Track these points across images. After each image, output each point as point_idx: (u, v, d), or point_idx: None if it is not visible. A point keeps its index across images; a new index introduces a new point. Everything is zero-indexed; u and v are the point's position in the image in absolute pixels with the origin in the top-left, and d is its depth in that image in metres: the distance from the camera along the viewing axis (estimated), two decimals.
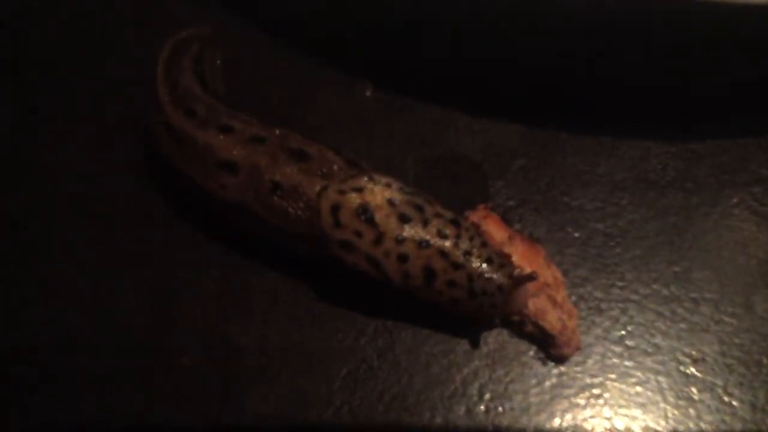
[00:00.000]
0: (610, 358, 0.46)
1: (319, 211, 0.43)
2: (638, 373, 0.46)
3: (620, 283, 0.48)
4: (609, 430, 0.45)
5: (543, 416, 0.45)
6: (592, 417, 0.45)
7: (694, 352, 0.46)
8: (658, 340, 0.47)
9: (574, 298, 0.47)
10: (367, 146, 0.51)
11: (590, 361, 0.46)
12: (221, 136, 0.45)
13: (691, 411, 0.45)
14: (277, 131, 0.45)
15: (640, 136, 0.52)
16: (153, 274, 0.48)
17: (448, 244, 0.42)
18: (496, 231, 0.47)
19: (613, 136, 0.52)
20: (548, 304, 0.45)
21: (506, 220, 0.49)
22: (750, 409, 0.45)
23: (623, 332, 0.47)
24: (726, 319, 0.47)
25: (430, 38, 0.54)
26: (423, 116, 0.52)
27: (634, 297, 0.48)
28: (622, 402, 0.45)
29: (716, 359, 0.46)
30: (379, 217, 0.42)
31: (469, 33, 0.54)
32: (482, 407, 0.45)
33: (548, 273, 0.46)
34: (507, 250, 0.46)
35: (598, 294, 0.48)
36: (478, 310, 0.43)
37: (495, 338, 0.47)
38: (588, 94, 0.53)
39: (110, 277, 0.48)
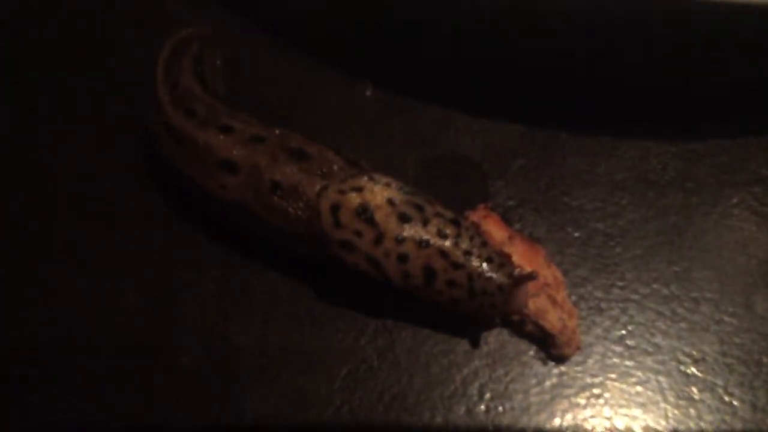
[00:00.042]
0: (610, 357, 0.46)
1: (319, 211, 0.43)
2: (639, 373, 0.46)
3: (620, 283, 0.48)
4: (609, 429, 0.45)
5: (543, 416, 0.45)
6: (592, 417, 0.45)
7: (694, 352, 0.46)
8: (658, 339, 0.47)
9: (574, 298, 0.47)
10: (367, 146, 0.51)
11: (590, 361, 0.46)
12: (221, 136, 0.45)
13: (692, 411, 0.45)
14: (277, 131, 0.45)
15: (640, 135, 0.52)
16: (153, 274, 0.48)
17: (448, 243, 0.42)
18: (496, 231, 0.47)
19: (613, 135, 0.52)
20: (548, 304, 0.45)
21: (506, 219, 0.49)
22: (750, 409, 0.45)
23: (623, 332, 0.47)
24: (726, 318, 0.47)
25: (430, 38, 0.54)
26: (423, 116, 0.52)
27: (635, 297, 0.48)
28: (623, 402, 0.45)
29: (717, 359, 0.46)
30: (379, 216, 0.42)
31: (469, 33, 0.54)
32: (482, 407, 0.45)
33: (548, 273, 0.46)
34: (507, 249, 0.46)
35: (599, 294, 0.48)
36: (478, 310, 0.43)
37: (495, 338, 0.47)
38: (588, 94, 0.53)
39: (110, 277, 0.48)
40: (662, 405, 0.45)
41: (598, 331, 0.47)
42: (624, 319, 0.47)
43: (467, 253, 0.42)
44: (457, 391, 0.46)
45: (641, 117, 0.53)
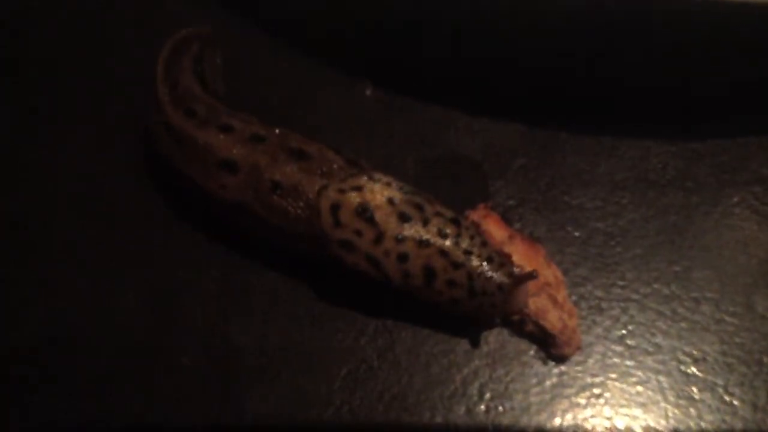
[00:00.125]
0: (610, 357, 0.46)
1: (319, 211, 0.43)
2: (639, 373, 0.46)
3: (621, 283, 0.48)
4: (609, 429, 0.45)
5: (543, 416, 0.45)
6: (592, 416, 0.45)
7: (694, 352, 0.46)
8: (658, 339, 0.47)
9: (574, 298, 0.47)
10: (367, 146, 0.51)
11: (591, 361, 0.46)
12: (221, 136, 0.45)
13: (692, 410, 0.45)
14: (277, 130, 0.45)
15: (640, 135, 0.52)
16: (153, 274, 0.48)
17: (448, 243, 0.42)
18: (496, 230, 0.47)
19: (613, 135, 0.52)
20: (549, 304, 0.45)
21: (506, 219, 0.49)
22: (751, 409, 0.45)
23: (624, 331, 0.47)
24: (727, 318, 0.47)
25: (430, 38, 0.54)
26: (423, 116, 0.52)
27: (635, 296, 0.48)
28: (623, 401, 0.45)
29: (717, 358, 0.46)
30: (379, 216, 0.42)
31: (469, 33, 0.54)
32: (482, 407, 0.45)
33: (548, 272, 0.46)
34: (507, 249, 0.46)
35: (599, 293, 0.48)
36: (478, 310, 0.43)
37: (495, 338, 0.47)
38: (588, 94, 0.53)
39: (110, 277, 0.48)
40: (663, 405, 0.45)
41: (599, 330, 0.47)
42: (624, 318, 0.47)
43: (467, 252, 0.42)
44: (457, 391, 0.46)
45: (641, 117, 0.53)
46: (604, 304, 0.47)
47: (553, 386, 0.46)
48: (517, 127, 0.52)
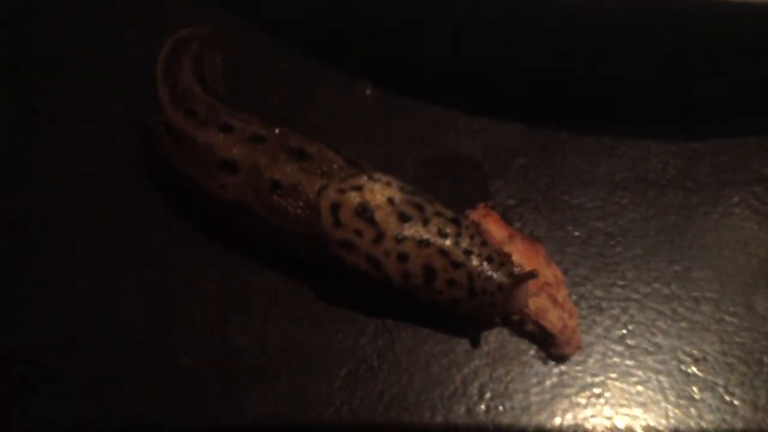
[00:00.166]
0: (610, 357, 0.46)
1: (319, 210, 0.43)
2: (639, 372, 0.46)
3: (621, 282, 0.48)
4: (610, 429, 0.45)
5: (544, 415, 0.45)
6: (593, 416, 0.45)
7: (695, 351, 0.46)
8: (659, 339, 0.46)
9: (574, 297, 0.47)
10: (367, 146, 0.51)
11: (591, 360, 0.46)
12: (221, 135, 0.45)
13: (692, 410, 0.45)
14: (277, 130, 0.45)
15: (640, 135, 0.52)
16: (153, 274, 0.48)
17: (448, 242, 0.42)
18: (496, 230, 0.47)
19: (613, 135, 0.52)
20: (549, 303, 0.45)
21: (506, 218, 0.49)
22: (751, 409, 0.45)
23: (624, 331, 0.47)
24: (727, 318, 0.47)
25: (430, 38, 0.54)
26: (423, 116, 0.52)
27: (635, 296, 0.48)
28: (623, 401, 0.45)
29: (717, 358, 0.46)
30: (378, 215, 0.42)
31: (469, 33, 0.54)
32: (483, 406, 0.45)
33: (549, 272, 0.46)
34: (507, 248, 0.46)
35: (599, 293, 0.48)
36: (478, 309, 0.43)
37: (495, 337, 0.47)
38: (588, 94, 0.53)
39: (110, 277, 0.48)
40: (663, 404, 0.45)
41: (599, 330, 0.47)
42: (624, 318, 0.47)
43: (467, 252, 0.42)
44: (457, 390, 0.46)
45: (641, 117, 0.52)
46: (604, 304, 0.47)
47: (554, 386, 0.46)
48: (517, 127, 0.52)
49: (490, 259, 0.42)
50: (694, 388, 0.46)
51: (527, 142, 0.52)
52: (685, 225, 0.49)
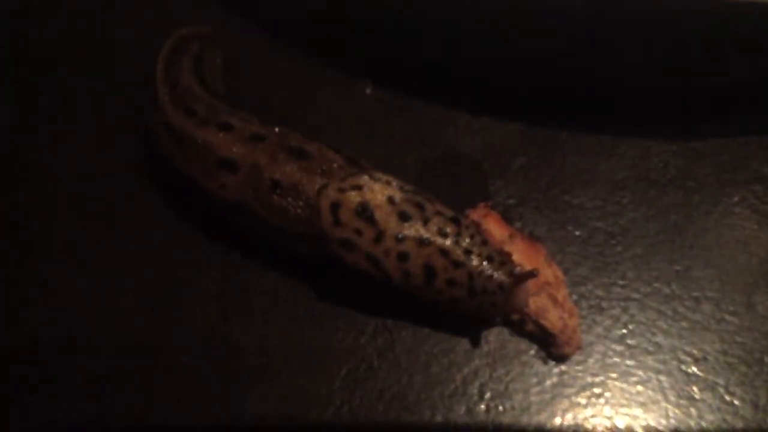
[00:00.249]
0: (611, 357, 0.46)
1: (319, 210, 0.43)
2: (639, 372, 0.46)
3: (621, 282, 0.48)
4: (610, 429, 0.45)
5: (544, 415, 0.45)
6: (593, 416, 0.45)
7: (695, 351, 0.46)
8: (659, 338, 0.46)
9: (574, 297, 0.47)
10: (367, 146, 0.51)
11: (591, 360, 0.46)
12: (221, 134, 0.45)
13: (693, 410, 0.45)
14: (277, 129, 0.45)
15: (640, 135, 0.52)
16: (153, 274, 0.48)
17: (448, 242, 0.42)
18: (496, 229, 0.47)
19: (613, 134, 0.52)
20: (549, 303, 0.45)
21: (507, 218, 0.49)
22: (751, 408, 0.45)
23: (624, 331, 0.47)
24: (727, 317, 0.47)
25: (430, 38, 0.54)
26: (423, 116, 0.52)
27: (635, 295, 0.48)
28: (623, 401, 0.45)
29: (718, 358, 0.46)
30: (379, 215, 0.42)
31: (469, 33, 0.54)
32: (483, 406, 0.45)
33: (549, 271, 0.46)
34: (507, 248, 0.46)
35: (599, 292, 0.48)
36: (478, 309, 0.43)
37: (495, 337, 0.47)
38: (588, 94, 0.53)
39: (110, 277, 0.48)
40: (663, 404, 0.45)
41: (599, 330, 0.47)
42: (625, 318, 0.47)
43: (467, 251, 0.42)
44: (457, 390, 0.45)
45: (641, 116, 0.52)
46: (604, 304, 0.47)
47: (554, 386, 0.46)
48: (517, 127, 0.52)
49: (490, 259, 0.42)
50: (695, 388, 0.45)
51: (527, 142, 0.52)
52: (685, 224, 0.49)
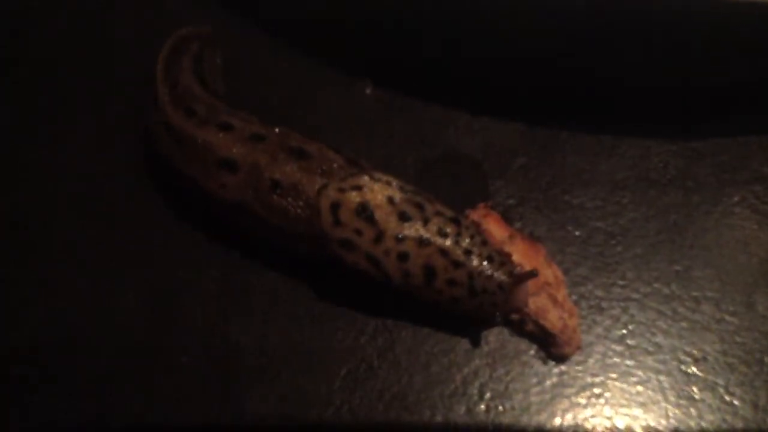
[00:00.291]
0: (611, 357, 0.46)
1: (319, 210, 0.43)
2: (639, 372, 0.46)
3: (621, 282, 0.48)
4: (610, 429, 0.45)
5: (544, 415, 0.45)
6: (593, 416, 0.45)
7: (695, 351, 0.46)
8: (659, 339, 0.46)
9: (574, 297, 0.47)
10: (367, 146, 0.51)
11: (591, 360, 0.46)
12: (221, 134, 0.45)
13: (693, 410, 0.45)
14: (277, 129, 0.45)
15: (640, 135, 0.52)
16: (153, 274, 0.48)
17: (448, 242, 0.42)
18: (496, 229, 0.47)
19: (613, 134, 0.52)
20: (549, 303, 0.45)
21: (507, 218, 0.49)
22: (751, 409, 0.45)
23: (624, 331, 0.47)
24: (727, 317, 0.47)
25: (430, 38, 0.54)
26: (423, 116, 0.52)
27: (635, 296, 0.48)
28: (623, 401, 0.45)
29: (717, 358, 0.46)
30: (379, 215, 0.42)
31: (469, 33, 0.54)
32: (483, 406, 0.45)
33: (549, 272, 0.46)
34: (507, 248, 0.46)
35: (599, 293, 0.48)
36: (478, 309, 0.43)
37: (495, 337, 0.47)
38: (588, 94, 0.53)
39: (110, 277, 0.48)
40: (663, 404, 0.45)
41: (599, 330, 0.47)
42: (625, 318, 0.47)
43: (467, 251, 0.42)
44: (457, 390, 0.45)
45: (641, 116, 0.52)
46: (604, 304, 0.47)
47: (554, 386, 0.46)
48: (517, 127, 0.52)
49: (490, 259, 0.42)
50: (695, 388, 0.45)
51: (527, 142, 0.52)
52: (685, 224, 0.49)
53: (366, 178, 0.43)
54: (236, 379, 0.46)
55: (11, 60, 0.55)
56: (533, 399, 0.45)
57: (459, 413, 0.45)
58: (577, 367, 0.46)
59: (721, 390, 0.46)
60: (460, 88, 0.53)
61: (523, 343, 0.46)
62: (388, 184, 0.43)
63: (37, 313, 0.47)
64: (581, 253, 0.49)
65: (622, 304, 0.47)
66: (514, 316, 0.46)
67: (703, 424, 0.45)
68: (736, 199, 0.50)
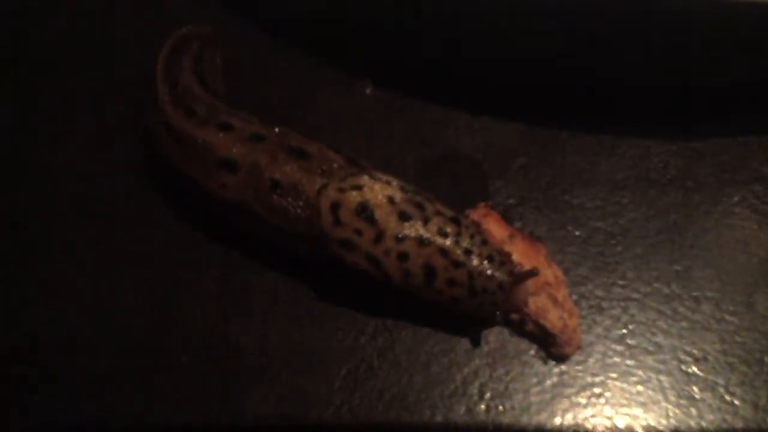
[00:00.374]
0: (611, 356, 0.46)
1: (319, 210, 0.43)
2: (639, 372, 0.46)
3: (621, 282, 0.48)
4: (610, 429, 0.45)
5: (544, 415, 0.45)
6: (593, 416, 0.45)
7: (695, 351, 0.46)
8: (659, 338, 0.46)
9: (574, 297, 0.47)
10: (367, 146, 0.51)
11: (591, 360, 0.46)
12: (221, 134, 0.45)
13: (693, 410, 0.45)
14: (277, 129, 0.45)
15: (640, 134, 0.52)
16: (153, 274, 0.48)
17: (448, 242, 0.42)
18: (496, 229, 0.47)
19: (613, 134, 0.52)
20: (549, 303, 0.45)
21: (507, 218, 0.49)
22: (752, 408, 0.45)
23: (624, 331, 0.47)
24: (727, 317, 0.47)
25: (430, 38, 0.54)
26: (423, 115, 0.52)
27: (635, 295, 0.48)
28: (624, 401, 0.45)
29: (718, 358, 0.46)
30: (379, 215, 0.42)
31: (469, 33, 0.54)
32: (483, 406, 0.45)
33: (549, 271, 0.46)
34: (507, 248, 0.46)
35: (599, 292, 0.48)
36: (478, 309, 0.43)
37: (495, 337, 0.47)
38: (588, 94, 0.53)
39: (110, 277, 0.48)
40: (663, 404, 0.45)
41: (599, 330, 0.47)
42: (625, 318, 0.47)
43: (468, 251, 0.42)
44: (457, 390, 0.45)
45: (641, 116, 0.52)
46: (604, 304, 0.47)
47: (554, 386, 0.46)
48: (517, 127, 0.52)
49: (490, 258, 0.42)
50: (695, 388, 0.45)
51: (527, 142, 0.52)
52: (685, 224, 0.49)
53: (366, 177, 0.43)
54: (236, 379, 0.46)
55: (11, 60, 0.55)
56: (533, 399, 0.45)
57: (459, 413, 0.45)
58: (577, 367, 0.46)
59: (722, 390, 0.46)
60: (460, 88, 0.53)
61: (523, 343, 0.46)
62: (388, 183, 0.43)
63: (37, 313, 0.47)
64: (581, 253, 0.49)
65: (622, 303, 0.47)
66: (514, 316, 0.46)
67: (704, 424, 0.45)
68: (736, 199, 0.50)
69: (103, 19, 0.56)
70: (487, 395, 0.45)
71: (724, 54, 0.53)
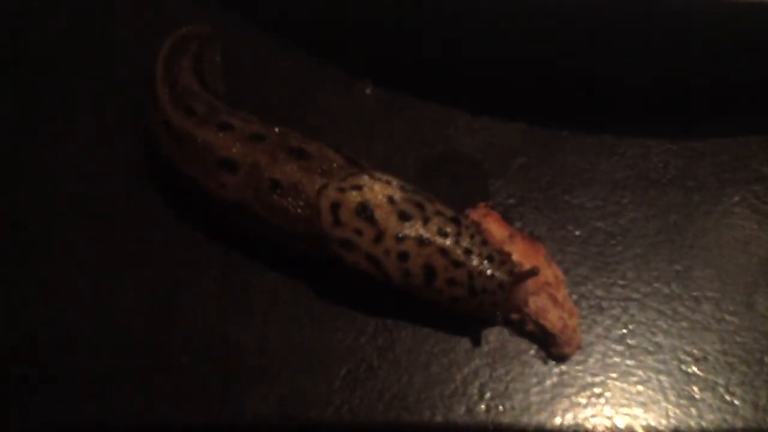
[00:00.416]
0: (611, 356, 0.46)
1: (319, 210, 0.43)
2: (639, 372, 0.46)
3: (621, 282, 0.48)
4: (610, 429, 0.45)
5: (544, 415, 0.45)
6: (593, 416, 0.45)
7: (695, 351, 0.46)
8: (659, 338, 0.46)
9: (575, 297, 0.47)
10: (367, 146, 0.51)
11: (591, 360, 0.46)
12: (220, 134, 0.45)
13: (693, 410, 0.45)
14: (277, 129, 0.45)
15: (640, 134, 0.52)
16: (153, 274, 0.48)
17: (448, 242, 0.42)
18: (496, 229, 0.47)
19: (613, 134, 0.52)
20: (549, 303, 0.45)
21: (507, 218, 0.49)
22: (752, 408, 0.45)
23: (624, 331, 0.47)
24: (727, 317, 0.47)
25: (430, 38, 0.54)
26: (423, 115, 0.52)
27: (635, 295, 0.48)
28: (624, 401, 0.45)
29: (718, 358, 0.46)
30: (379, 214, 0.42)
31: (469, 33, 0.54)
32: (483, 406, 0.45)
33: (549, 271, 0.46)
34: (507, 248, 0.46)
35: (599, 292, 0.48)
36: (478, 309, 0.43)
37: (495, 337, 0.47)
38: (588, 93, 0.53)
39: (110, 277, 0.48)
40: (663, 404, 0.45)
41: (599, 330, 0.47)
42: (625, 318, 0.47)
43: (468, 251, 0.42)
44: (457, 390, 0.45)
45: (641, 116, 0.53)
46: (604, 304, 0.47)
47: (554, 386, 0.46)
48: (517, 126, 0.52)
49: (490, 258, 0.42)
50: (695, 388, 0.45)
51: (528, 141, 0.52)
52: (685, 224, 0.49)
53: (366, 177, 0.43)
54: (236, 379, 0.46)
55: (11, 60, 0.55)
56: (533, 399, 0.45)
57: (459, 413, 0.45)
58: (577, 367, 0.46)
59: (722, 390, 0.46)
60: (460, 88, 0.53)
61: (523, 343, 0.46)
62: (388, 183, 0.43)
63: (37, 313, 0.47)
64: (581, 252, 0.49)
65: (622, 303, 0.47)
66: (514, 316, 0.45)
67: (704, 424, 0.45)
68: (736, 199, 0.50)
69: (103, 19, 0.56)
70: (487, 395, 0.45)
71: (724, 54, 0.53)
